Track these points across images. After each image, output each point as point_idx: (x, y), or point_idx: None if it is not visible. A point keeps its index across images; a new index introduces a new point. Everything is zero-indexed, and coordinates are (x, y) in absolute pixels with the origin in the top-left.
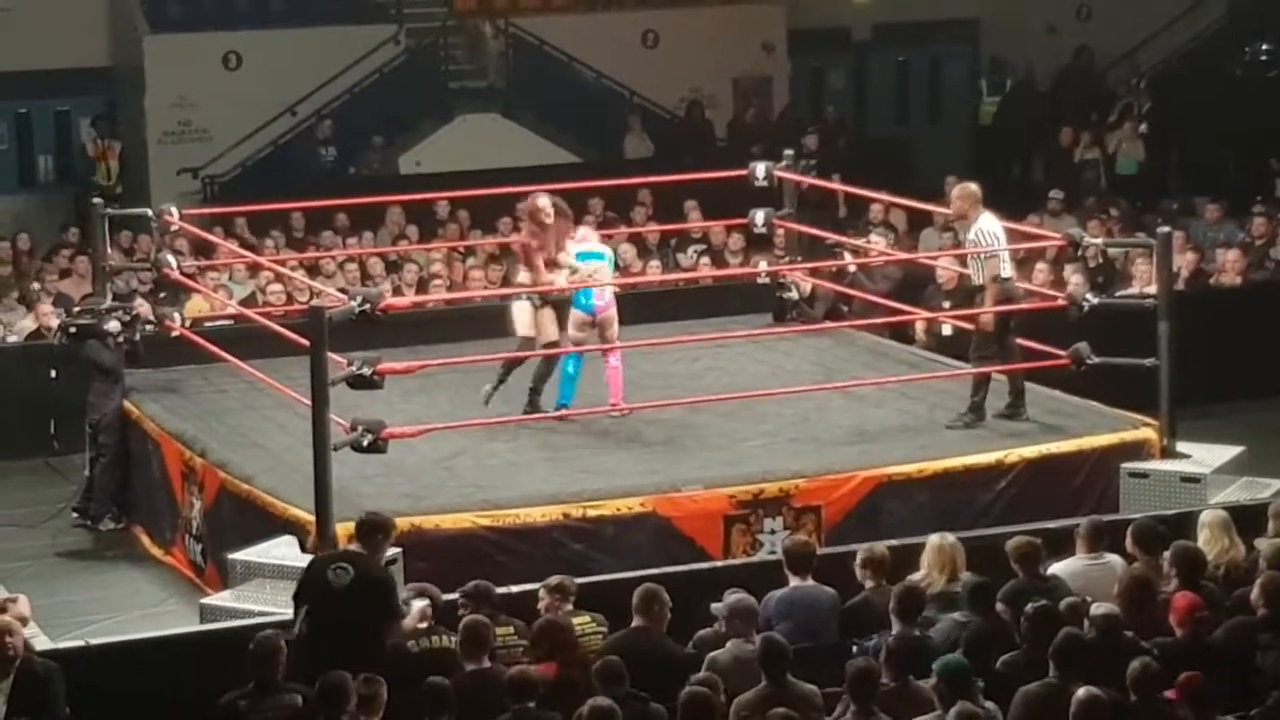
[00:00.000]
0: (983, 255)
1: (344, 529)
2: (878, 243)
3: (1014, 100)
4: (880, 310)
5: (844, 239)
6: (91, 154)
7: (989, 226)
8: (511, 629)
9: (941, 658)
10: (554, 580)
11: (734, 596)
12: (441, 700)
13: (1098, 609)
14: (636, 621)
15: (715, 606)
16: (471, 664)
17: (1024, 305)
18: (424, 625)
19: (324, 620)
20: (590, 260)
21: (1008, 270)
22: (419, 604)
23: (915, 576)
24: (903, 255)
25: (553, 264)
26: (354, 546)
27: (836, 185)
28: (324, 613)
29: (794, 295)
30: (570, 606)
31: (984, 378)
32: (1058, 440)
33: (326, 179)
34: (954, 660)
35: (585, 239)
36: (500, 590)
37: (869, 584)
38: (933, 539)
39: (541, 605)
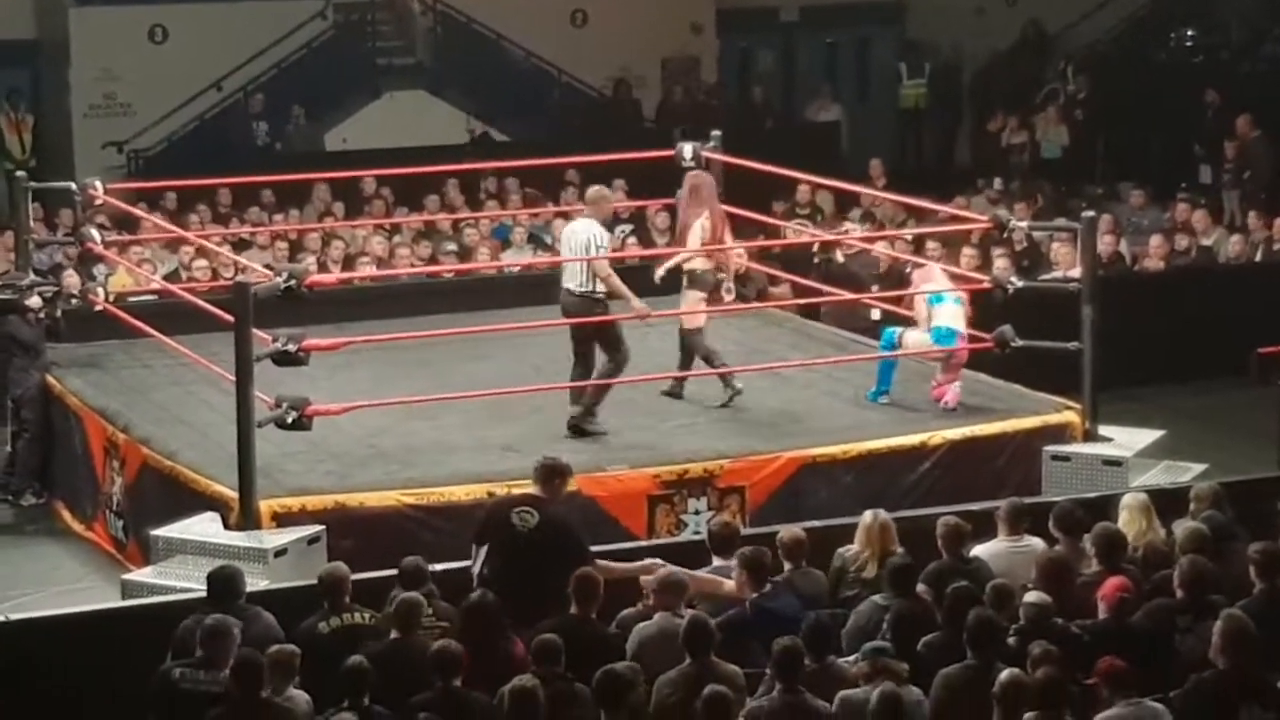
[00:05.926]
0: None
1: (266, 505)
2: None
3: (938, 83)
4: (809, 291)
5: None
6: (4, 127)
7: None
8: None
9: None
10: None
11: (665, 570)
12: (361, 679)
13: (1030, 596)
14: (574, 608)
15: (645, 580)
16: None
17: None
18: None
19: (509, 563)
20: None
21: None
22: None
23: (851, 549)
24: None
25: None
26: (533, 490)
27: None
28: (508, 555)
29: (724, 275)
30: None
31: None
32: (981, 422)
33: (257, 154)
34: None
35: None
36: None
37: (787, 566)
38: (865, 517)
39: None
